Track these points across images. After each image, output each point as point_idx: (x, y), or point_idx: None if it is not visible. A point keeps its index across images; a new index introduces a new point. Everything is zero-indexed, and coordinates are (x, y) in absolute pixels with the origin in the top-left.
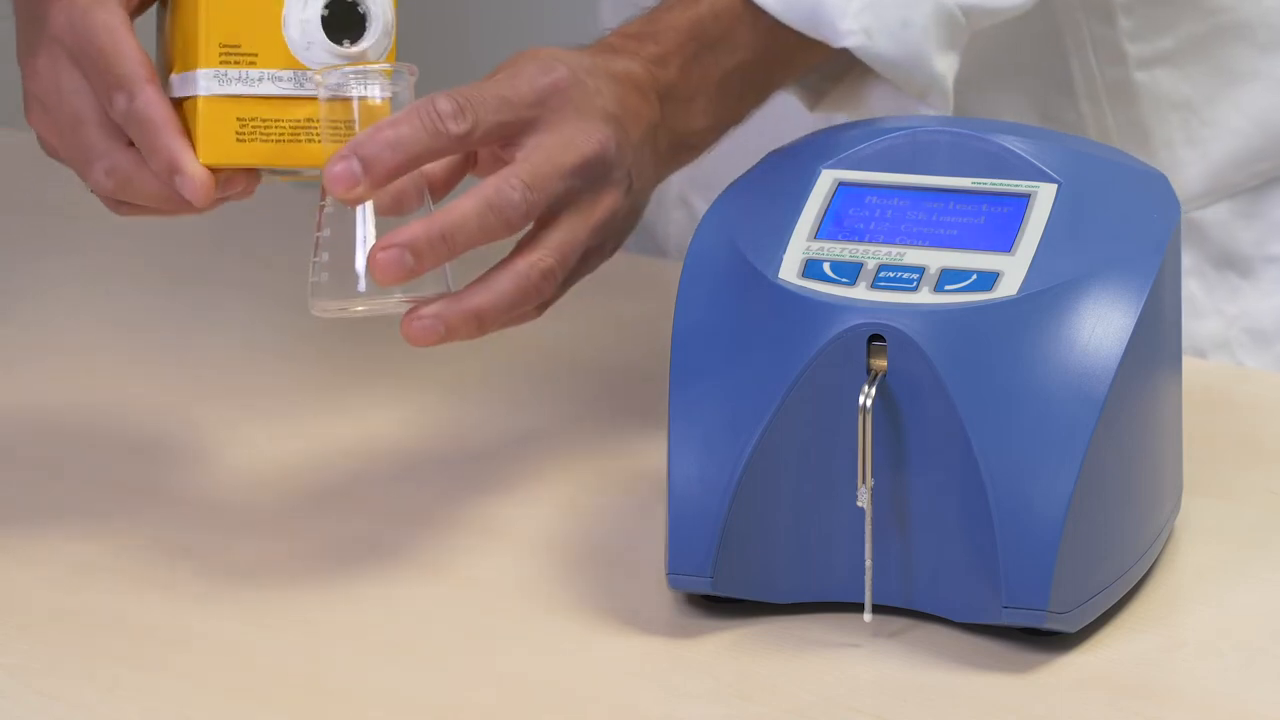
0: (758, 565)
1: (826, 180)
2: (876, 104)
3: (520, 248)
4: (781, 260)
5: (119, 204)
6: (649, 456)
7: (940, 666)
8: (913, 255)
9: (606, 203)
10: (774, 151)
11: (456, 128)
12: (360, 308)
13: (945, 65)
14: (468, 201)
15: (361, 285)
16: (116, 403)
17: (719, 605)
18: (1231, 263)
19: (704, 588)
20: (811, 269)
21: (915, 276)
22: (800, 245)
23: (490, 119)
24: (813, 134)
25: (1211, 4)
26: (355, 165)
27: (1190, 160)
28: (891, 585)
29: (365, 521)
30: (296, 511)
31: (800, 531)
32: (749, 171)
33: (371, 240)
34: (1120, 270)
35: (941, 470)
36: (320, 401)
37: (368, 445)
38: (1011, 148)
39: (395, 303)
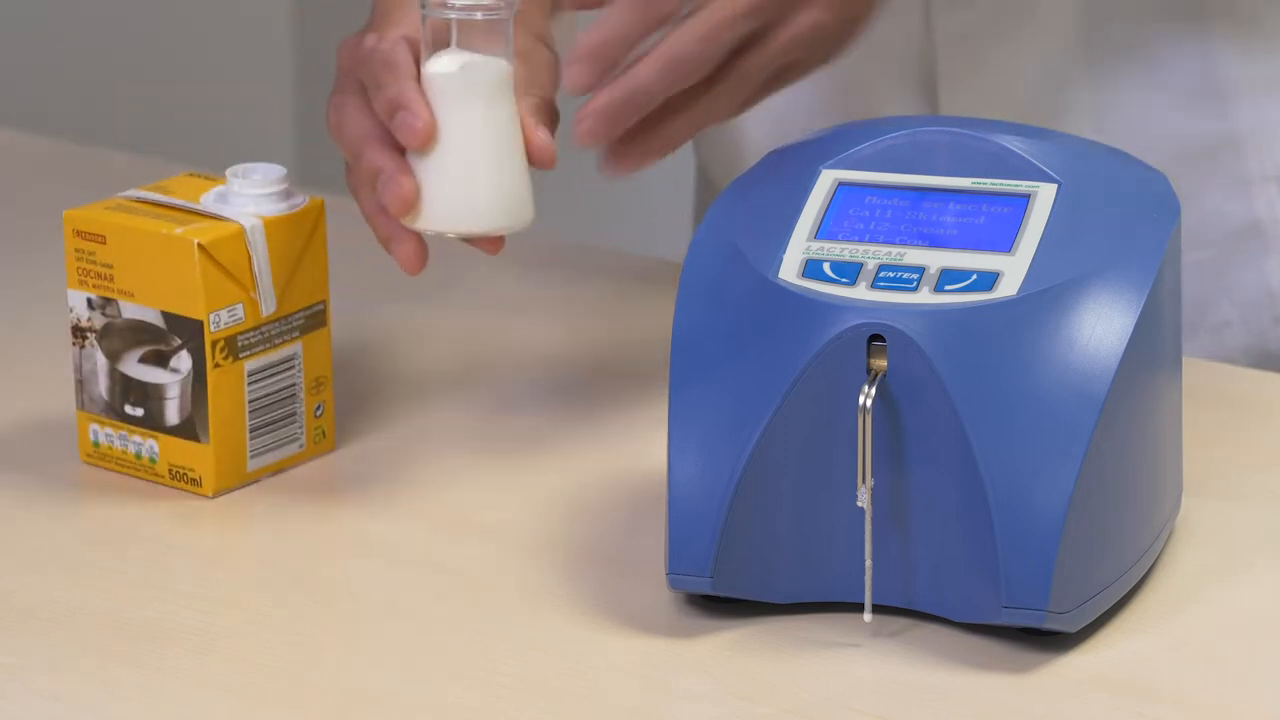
0: (758, 565)
1: (826, 180)
2: None
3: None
4: (781, 260)
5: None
6: (649, 456)
7: (940, 666)
8: (913, 255)
9: (791, 29)
10: (774, 151)
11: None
12: (473, 231)
13: None
14: (649, 65)
15: (474, 212)
16: None
17: (719, 605)
18: None
19: (704, 588)
20: (811, 269)
21: (915, 276)
22: (800, 245)
23: None
24: (813, 134)
25: None
26: (586, 67)
27: None
28: (891, 585)
29: (365, 521)
30: (296, 511)
31: (800, 531)
32: (749, 171)
33: (512, 165)
34: (1120, 270)
35: (941, 470)
36: None
37: (367, 445)
38: (1011, 148)
39: (496, 230)
